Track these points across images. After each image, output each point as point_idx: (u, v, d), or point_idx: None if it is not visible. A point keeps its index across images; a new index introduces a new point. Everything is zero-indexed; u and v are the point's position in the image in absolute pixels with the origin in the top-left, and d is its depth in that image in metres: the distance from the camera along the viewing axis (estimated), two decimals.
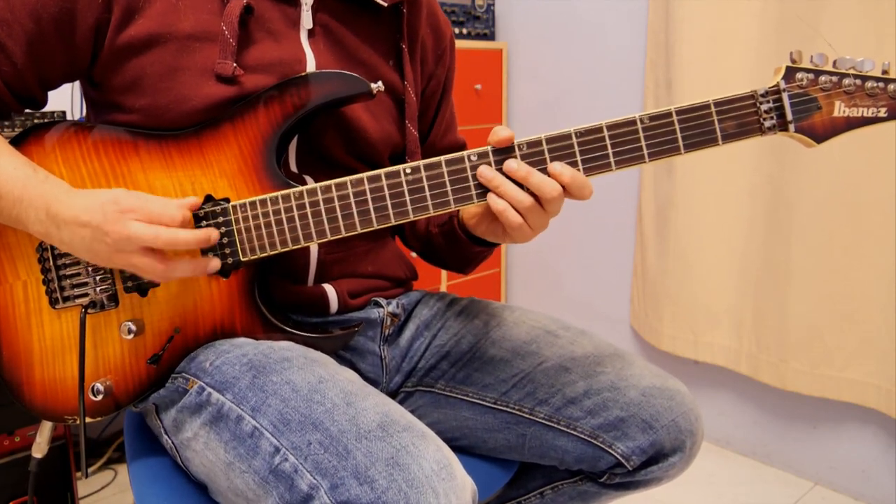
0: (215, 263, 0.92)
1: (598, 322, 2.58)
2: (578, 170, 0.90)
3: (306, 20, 1.01)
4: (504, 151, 0.90)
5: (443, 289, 2.61)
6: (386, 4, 1.06)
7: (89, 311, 0.96)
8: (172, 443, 0.98)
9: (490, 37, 2.67)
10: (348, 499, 0.74)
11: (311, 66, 1.01)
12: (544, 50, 2.63)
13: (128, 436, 1.13)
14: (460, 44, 2.53)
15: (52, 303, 0.97)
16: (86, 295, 0.96)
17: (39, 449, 1.26)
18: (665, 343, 2.31)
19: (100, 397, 0.96)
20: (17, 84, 0.96)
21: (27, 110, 1.02)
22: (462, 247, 1.12)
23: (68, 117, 1.83)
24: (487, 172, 0.89)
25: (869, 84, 0.88)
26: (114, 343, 0.97)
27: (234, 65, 0.94)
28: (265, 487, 0.81)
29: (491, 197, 0.90)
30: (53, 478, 1.65)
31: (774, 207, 1.99)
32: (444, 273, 2.60)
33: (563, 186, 0.89)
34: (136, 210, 0.86)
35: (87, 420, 0.98)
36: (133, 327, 0.95)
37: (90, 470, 2.08)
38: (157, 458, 1.05)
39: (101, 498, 2.00)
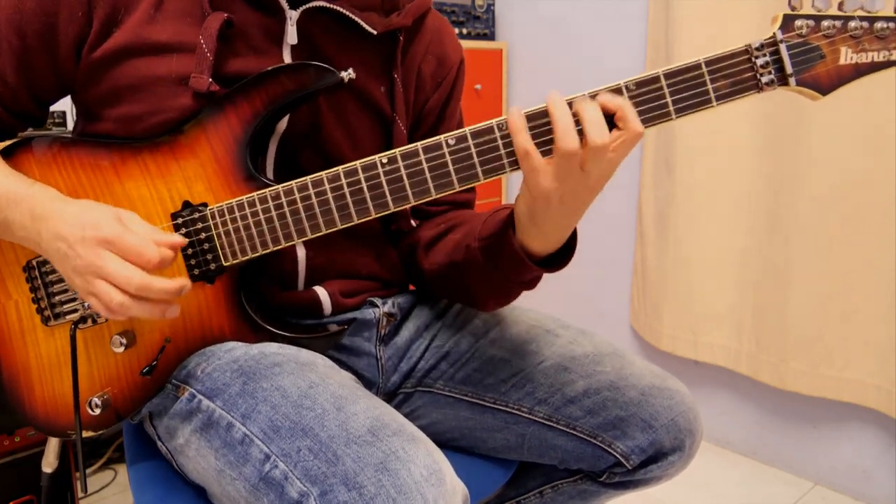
0: (174, 310, 0.87)
1: (598, 322, 2.58)
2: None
3: (291, 35, 0.98)
4: (486, 132, 0.85)
5: None
6: (375, 33, 1.01)
7: (80, 326, 0.96)
8: (167, 448, 0.98)
9: (490, 37, 2.67)
10: None
11: None
12: (544, 50, 2.63)
13: (127, 438, 1.13)
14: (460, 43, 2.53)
15: (44, 321, 0.97)
16: (76, 311, 0.96)
17: (49, 464, 1.27)
18: (665, 343, 2.31)
19: (98, 411, 0.95)
20: (12, 102, 0.96)
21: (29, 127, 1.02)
22: (510, 266, 0.95)
23: (68, 118, 1.84)
24: (515, 115, 0.82)
25: (879, 25, 0.80)
26: (107, 356, 0.97)
27: (210, 80, 0.91)
28: (256, 495, 0.81)
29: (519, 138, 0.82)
30: (53, 478, 1.65)
31: (774, 207, 1.99)
32: None
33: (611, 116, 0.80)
34: (115, 242, 0.83)
35: (90, 434, 0.98)
36: (123, 340, 0.94)
37: (89, 471, 2.08)
38: (156, 461, 1.04)
39: (101, 498, 1.99)
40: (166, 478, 1.01)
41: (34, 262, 0.97)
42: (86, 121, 0.99)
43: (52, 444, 1.27)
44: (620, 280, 2.51)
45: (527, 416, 1.06)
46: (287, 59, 0.98)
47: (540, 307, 2.52)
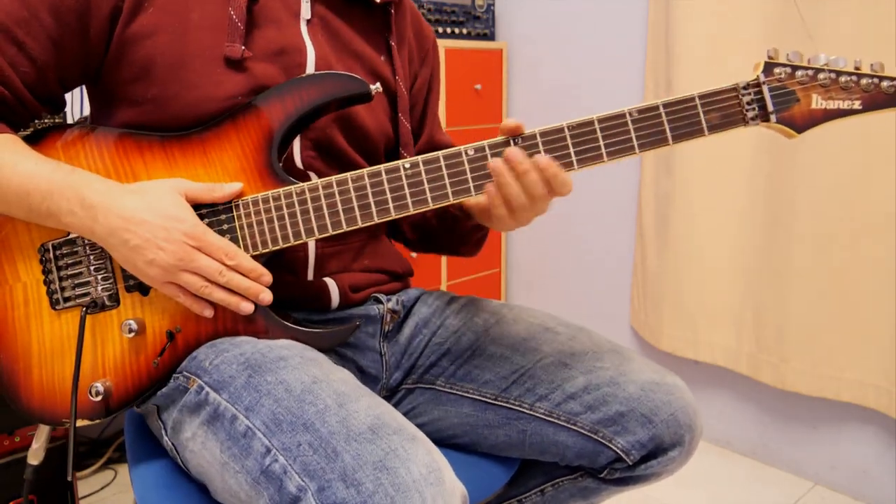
0: (247, 306, 0.94)
1: (597, 322, 2.58)
2: (571, 161, 0.93)
3: (305, 10, 1.04)
4: (503, 145, 0.93)
5: (442, 288, 2.61)
6: (378, 1, 1.10)
7: (90, 311, 0.96)
8: (172, 444, 0.98)
9: (490, 37, 2.67)
10: (335, 501, 0.74)
11: (310, 55, 1.03)
12: (544, 50, 2.63)
13: (128, 436, 1.13)
14: (460, 44, 2.54)
15: (53, 304, 0.97)
16: (87, 295, 0.96)
17: (35, 455, 1.21)
18: (665, 343, 2.31)
19: (99, 398, 0.96)
20: (39, 85, 0.96)
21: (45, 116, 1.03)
22: (454, 223, 1.14)
23: (68, 118, 1.84)
24: (498, 167, 0.91)
25: (843, 78, 0.93)
26: (114, 343, 0.97)
27: (243, 48, 0.97)
28: (257, 488, 0.81)
29: (489, 186, 0.93)
30: (53, 478, 1.65)
31: (774, 207, 1.99)
32: (443, 272, 2.61)
33: (546, 179, 0.92)
34: (200, 239, 0.90)
35: (85, 423, 0.98)
36: (134, 326, 0.95)
37: (89, 471, 2.09)
38: (160, 459, 1.04)
39: (101, 498, 1.99)
40: (170, 476, 1.01)
41: (49, 245, 0.97)
42: (112, 106, 1.00)
43: (42, 435, 1.21)
44: (620, 280, 2.51)
45: (528, 412, 1.06)
46: (304, 31, 1.04)
47: (540, 306, 2.51)
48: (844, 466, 2.03)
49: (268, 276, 0.95)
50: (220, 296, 0.92)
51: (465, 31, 2.57)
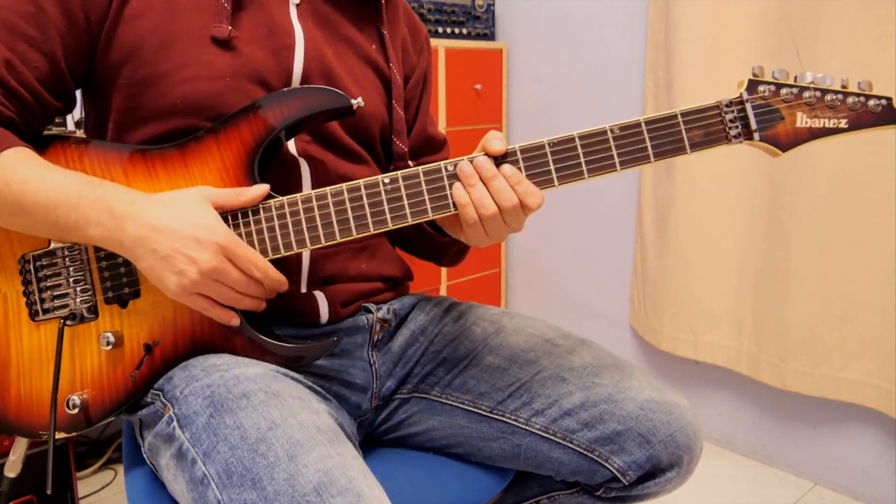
0: (235, 321, 0.94)
1: (598, 323, 2.58)
2: (552, 178, 0.93)
3: None
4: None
5: (442, 290, 2.61)
6: None
7: (68, 322, 0.95)
8: (151, 463, 0.98)
9: (490, 37, 2.66)
10: None
11: (299, 39, 1.03)
12: (544, 50, 2.62)
13: (125, 443, 1.13)
14: (460, 44, 2.53)
15: (32, 315, 0.96)
16: (66, 306, 0.96)
17: (13, 468, 1.18)
18: (665, 343, 2.30)
19: (76, 411, 0.95)
20: (52, 78, 0.96)
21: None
22: (429, 241, 1.15)
23: (68, 118, 1.83)
24: (466, 168, 0.92)
25: (829, 97, 0.92)
26: (92, 355, 0.96)
27: (230, 27, 0.97)
28: None
29: (457, 187, 0.93)
30: (53, 477, 1.65)
31: (774, 208, 1.99)
32: (443, 273, 2.60)
33: (513, 187, 0.91)
34: (231, 250, 0.89)
35: (62, 436, 0.97)
36: (112, 338, 0.94)
37: (89, 471, 2.10)
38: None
39: (101, 498, 2.00)
40: (158, 484, 1.01)
41: (30, 256, 0.96)
42: (101, 99, 1.00)
43: (20, 447, 1.18)
44: (620, 280, 2.51)
45: (523, 426, 1.06)
46: (293, 15, 1.04)
47: (540, 306, 2.51)
48: (844, 466, 2.03)
49: (286, 285, 0.96)
50: (246, 303, 0.93)
51: (465, 31, 2.56)
